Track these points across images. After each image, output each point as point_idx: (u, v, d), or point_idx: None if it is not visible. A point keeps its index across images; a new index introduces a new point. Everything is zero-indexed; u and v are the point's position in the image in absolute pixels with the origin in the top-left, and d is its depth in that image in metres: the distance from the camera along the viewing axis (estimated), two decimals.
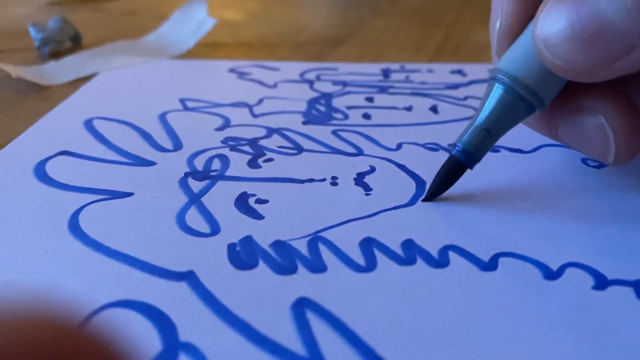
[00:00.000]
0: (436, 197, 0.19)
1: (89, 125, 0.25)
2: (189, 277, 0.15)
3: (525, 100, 0.17)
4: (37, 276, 0.15)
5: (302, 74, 0.31)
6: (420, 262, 0.16)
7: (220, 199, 0.19)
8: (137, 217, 0.18)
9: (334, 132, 0.24)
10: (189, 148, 0.23)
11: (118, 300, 0.14)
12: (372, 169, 0.21)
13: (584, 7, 0.15)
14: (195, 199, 0.19)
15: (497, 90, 0.18)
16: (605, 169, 0.21)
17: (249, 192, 0.19)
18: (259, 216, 0.18)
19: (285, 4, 0.50)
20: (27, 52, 0.35)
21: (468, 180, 0.20)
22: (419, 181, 0.20)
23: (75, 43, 0.36)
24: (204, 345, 0.13)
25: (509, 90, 0.17)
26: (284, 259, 0.16)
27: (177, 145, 0.23)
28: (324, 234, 0.17)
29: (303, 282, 0.15)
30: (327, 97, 0.28)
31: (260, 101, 0.28)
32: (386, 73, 0.31)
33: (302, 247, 0.16)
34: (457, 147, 0.18)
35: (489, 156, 0.21)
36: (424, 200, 0.19)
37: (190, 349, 0.13)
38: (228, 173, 0.21)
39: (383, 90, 0.29)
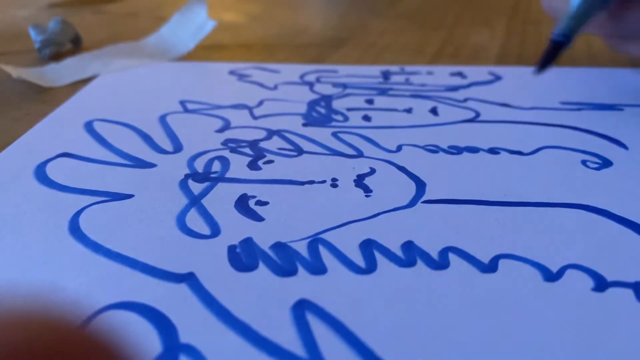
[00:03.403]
0: (545, 69, 0.26)
1: (89, 127, 0.25)
2: (189, 278, 0.15)
3: None
4: (37, 278, 0.15)
5: (302, 76, 0.31)
6: (420, 264, 0.16)
7: (220, 200, 0.19)
8: (137, 219, 0.18)
9: (334, 134, 0.24)
10: (189, 150, 0.23)
11: (118, 301, 0.14)
12: (372, 171, 0.21)
13: None
14: (195, 201, 0.19)
15: None
16: (605, 170, 0.21)
17: (249, 194, 0.19)
18: (259, 218, 0.18)
19: (285, 6, 0.51)
20: (27, 54, 0.35)
21: (468, 182, 0.20)
22: (419, 183, 0.20)
23: (75, 45, 0.37)
24: (204, 347, 0.13)
25: None
26: (284, 261, 0.16)
27: (178, 147, 0.23)
28: (324, 236, 0.17)
29: (303, 284, 0.15)
30: (327, 99, 0.28)
31: (261, 103, 0.28)
32: (386, 75, 0.31)
33: (302, 248, 0.16)
34: (556, 31, 0.26)
35: (489, 158, 0.22)
36: (537, 73, 0.26)
37: (190, 350, 0.13)
38: (228, 175, 0.21)
39: (383, 92, 0.29)
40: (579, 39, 0.28)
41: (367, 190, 0.19)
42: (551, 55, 0.26)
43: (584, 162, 0.21)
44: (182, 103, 0.27)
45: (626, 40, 0.29)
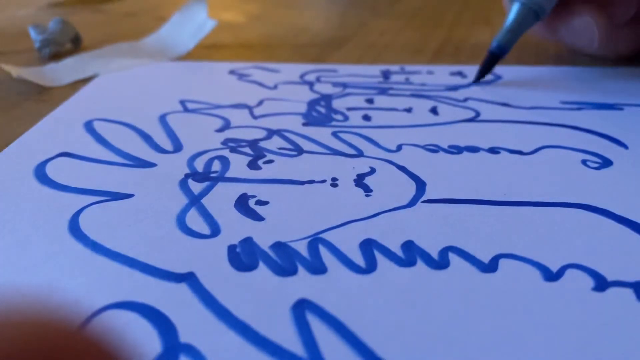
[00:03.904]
0: (483, 77, 0.29)
1: (89, 126, 0.25)
2: (189, 278, 0.15)
3: (534, 10, 0.28)
4: (37, 278, 0.15)
5: (302, 76, 0.31)
6: (420, 264, 0.16)
7: (220, 200, 0.19)
8: (137, 219, 0.18)
9: (334, 134, 0.24)
10: (189, 149, 0.23)
11: (118, 301, 0.14)
12: (372, 170, 0.21)
13: None
14: (195, 201, 0.19)
15: (516, 6, 0.28)
16: (605, 169, 0.21)
17: (249, 194, 0.19)
18: (259, 218, 0.18)
19: (285, 5, 0.51)
20: (27, 53, 0.35)
21: (468, 181, 0.20)
22: (419, 182, 0.20)
23: (75, 45, 0.37)
24: (204, 347, 0.13)
25: (523, 4, 0.28)
26: (284, 261, 0.16)
27: (177, 147, 0.23)
28: (324, 236, 0.17)
29: (303, 284, 0.15)
30: (327, 98, 0.28)
31: (261, 103, 0.28)
32: (386, 75, 0.31)
33: (302, 248, 0.16)
34: (493, 44, 0.29)
35: (489, 157, 0.22)
36: (475, 81, 0.29)
37: (190, 350, 0.13)
38: (228, 174, 0.21)
39: (383, 91, 0.29)
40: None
41: (367, 190, 0.19)
42: (489, 65, 0.29)
43: (584, 162, 0.21)
44: (182, 103, 0.27)
45: (567, 44, 0.32)
